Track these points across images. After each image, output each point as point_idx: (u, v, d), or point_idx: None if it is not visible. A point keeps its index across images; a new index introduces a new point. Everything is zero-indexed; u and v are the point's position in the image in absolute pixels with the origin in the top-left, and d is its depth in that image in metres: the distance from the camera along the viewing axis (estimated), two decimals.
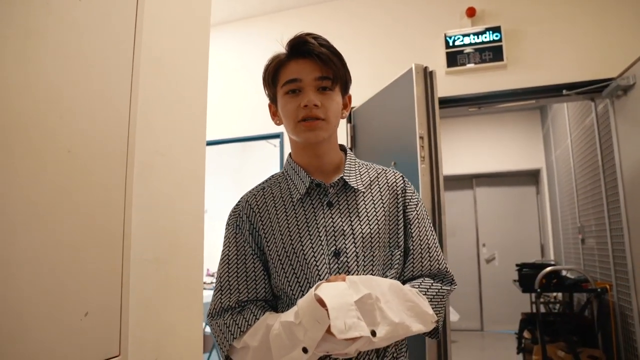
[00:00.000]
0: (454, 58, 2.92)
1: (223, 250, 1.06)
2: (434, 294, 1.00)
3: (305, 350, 0.83)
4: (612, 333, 3.08)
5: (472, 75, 2.93)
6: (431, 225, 1.10)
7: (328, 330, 0.81)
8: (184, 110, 1.58)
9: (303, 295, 0.93)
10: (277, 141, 3.36)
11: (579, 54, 2.75)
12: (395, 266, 1.01)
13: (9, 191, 0.86)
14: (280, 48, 1.05)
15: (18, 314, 0.87)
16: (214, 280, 4.65)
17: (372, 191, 1.05)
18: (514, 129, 6.01)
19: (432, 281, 1.02)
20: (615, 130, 2.71)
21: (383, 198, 1.05)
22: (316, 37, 1.01)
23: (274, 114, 1.10)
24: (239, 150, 6.89)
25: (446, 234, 2.06)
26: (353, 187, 1.03)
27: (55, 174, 0.97)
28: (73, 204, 1.02)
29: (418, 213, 1.07)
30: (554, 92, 2.76)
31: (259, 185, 1.12)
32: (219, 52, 3.70)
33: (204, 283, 5.49)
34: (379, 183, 1.07)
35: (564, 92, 2.69)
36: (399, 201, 1.06)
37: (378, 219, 1.02)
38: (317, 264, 0.96)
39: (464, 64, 2.91)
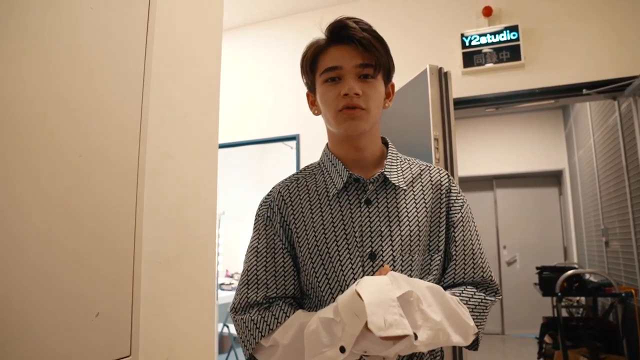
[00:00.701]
0: (471, 58, 2.88)
1: (251, 242, 0.99)
2: (477, 303, 0.92)
3: (342, 349, 0.75)
4: (639, 339, 2.99)
5: (489, 75, 2.88)
6: (477, 229, 1.01)
7: (367, 327, 0.73)
8: (195, 114, 1.59)
9: (333, 296, 0.90)
10: (293, 143, 3.37)
11: (598, 52, 2.68)
12: (434, 272, 0.94)
13: (22, 195, 0.88)
14: (319, 34, 0.99)
15: (30, 314, 0.89)
16: (234, 281, 4.69)
17: (414, 189, 0.98)
18: (535, 129, 5.90)
19: (475, 290, 0.95)
20: (639, 129, 2.64)
21: (426, 197, 0.97)
22: (357, 21, 0.94)
23: (312, 104, 1.04)
24: (258, 152, 6.95)
25: None
26: (394, 184, 0.96)
27: (67, 178, 0.99)
28: (85, 207, 1.04)
29: (463, 215, 0.98)
30: (574, 91, 2.70)
31: (293, 175, 1.06)
32: (237, 55, 3.74)
33: (223, 284, 5.55)
34: (422, 181, 1.00)
35: (584, 91, 2.63)
36: (442, 202, 0.98)
37: (419, 219, 0.95)
38: (353, 265, 0.90)
39: (480, 64, 2.87)
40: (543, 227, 5.96)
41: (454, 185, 1.02)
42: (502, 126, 5.98)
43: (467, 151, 6.05)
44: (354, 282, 0.86)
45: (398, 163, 1.00)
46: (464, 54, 2.89)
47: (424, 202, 0.97)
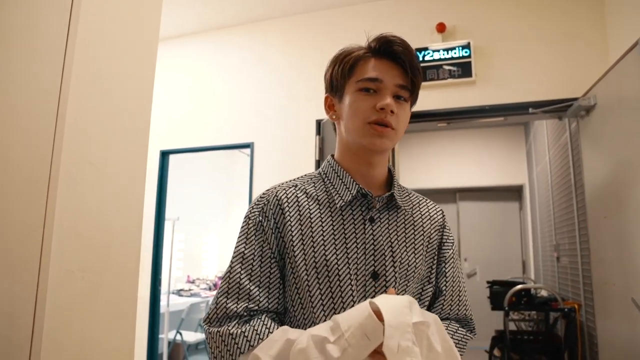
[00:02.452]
0: (424, 73, 2.92)
1: (237, 247, 0.90)
2: (459, 339, 0.94)
3: None
4: (579, 353, 3.05)
5: (441, 90, 2.93)
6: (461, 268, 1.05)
7: (378, 350, 0.71)
8: (123, 122, 1.56)
9: (325, 314, 0.85)
10: (248, 150, 3.35)
11: (546, 73, 2.75)
12: (425, 303, 0.95)
13: None
14: (357, 38, 0.99)
15: None
16: (194, 287, 4.59)
17: (414, 217, 0.98)
18: (498, 144, 6.02)
19: (458, 326, 0.97)
20: (581, 149, 2.71)
21: (424, 228, 0.99)
22: (405, 42, 0.93)
23: (331, 107, 0.99)
24: (225, 159, 6.91)
25: None
26: (399, 206, 0.96)
27: None
28: None
29: (454, 252, 1.02)
30: (521, 109, 2.76)
31: (290, 181, 0.98)
32: (194, 61, 3.71)
33: (182, 290, 5.46)
34: (421, 211, 1.01)
35: (530, 110, 2.68)
36: (437, 236, 1.00)
37: (416, 247, 0.95)
38: (352, 283, 0.87)
39: (433, 79, 2.91)
40: (503, 241, 6.06)
41: (447, 222, 1.05)
42: (466, 140, 6.08)
43: (432, 164, 6.13)
44: (352, 301, 0.86)
45: (402, 188, 1.02)
46: None
47: (422, 231, 0.98)
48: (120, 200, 1.54)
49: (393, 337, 0.70)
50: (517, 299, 3.33)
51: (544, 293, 3.62)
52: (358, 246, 0.89)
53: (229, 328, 0.82)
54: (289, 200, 0.92)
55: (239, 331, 0.81)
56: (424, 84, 2.90)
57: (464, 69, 2.86)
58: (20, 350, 1.22)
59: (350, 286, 0.86)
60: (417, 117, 2.91)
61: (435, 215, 1.03)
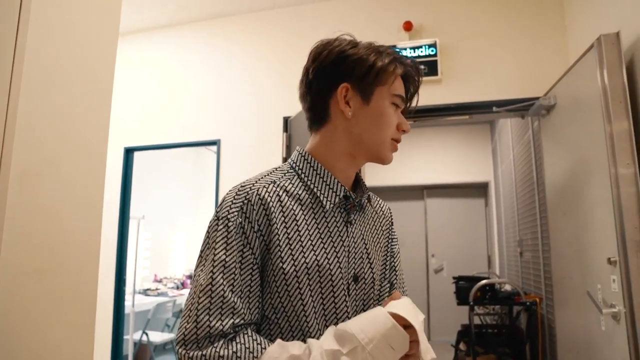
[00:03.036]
0: None
1: (216, 254, 0.78)
2: None
3: None
4: (539, 345, 3.15)
5: None
6: None
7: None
8: (81, 118, 1.51)
9: (318, 321, 0.81)
10: (214, 148, 3.30)
11: (509, 73, 2.82)
12: (384, 297, 0.96)
13: None
14: (324, 35, 0.98)
15: None
16: (160, 286, 4.50)
17: (373, 216, 0.99)
18: (465, 142, 6.14)
19: None
20: (542, 148, 2.79)
21: (382, 225, 1.00)
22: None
23: (348, 102, 0.89)
24: (191, 157, 6.80)
25: None
26: (365, 206, 0.96)
27: None
28: None
29: (398, 247, 1.05)
30: (486, 108, 2.81)
31: (266, 176, 0.88)
32: (159, 57, 3.63)
33: (148, 289, 5.36)
34: (376, 209, 1.01)
35: (494, 108, 2.74)
36: (388, 232, 1.02)
37: (380, 246, 0.97)
38: (344, 287, 0.85)
39: None
40: (469, 237, 6.19)
41: (392, 217, 1.06)
42: (434, 138, 6.17)
43: (400, 161, 6.19)
44: (345, 305, 0.84)
45: None
46: None
47: (381, 229, 0.99)
48: (78, 198, 1.49)
49: (422, 342, 0.76)
50: (482, 294, 3.41)
51: (507, 287, 3.72)
52: (343, 249, 0.86)
53: (217, 350, 0.71)
54: (272, 199, 0.82)
55: (229, 352, 0.71)
56: None
57: (430, 67, 2.89)
58: None
59: (342, 290, 0.84)
60: None
61: (386, 212, 1.05)
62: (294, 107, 2.93)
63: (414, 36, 2.98)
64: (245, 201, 0.81)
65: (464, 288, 3.51)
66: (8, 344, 1.23)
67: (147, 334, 4.25)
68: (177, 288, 5.88)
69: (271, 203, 0.82)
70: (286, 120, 3.05)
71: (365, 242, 0.92)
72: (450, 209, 6.35)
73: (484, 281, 3.39)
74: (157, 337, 4.44)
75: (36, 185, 1.34)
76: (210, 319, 0.73)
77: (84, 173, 1.51)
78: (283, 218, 0.82)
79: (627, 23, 1.96)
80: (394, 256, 1.02)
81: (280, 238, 0.80)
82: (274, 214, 0.81)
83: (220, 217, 0.82)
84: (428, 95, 2.91)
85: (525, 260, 4.04)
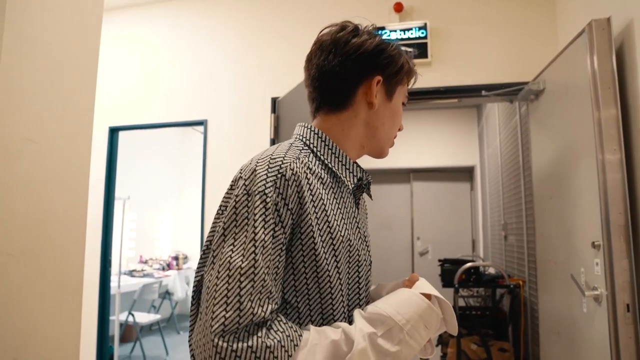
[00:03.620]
0: None
1: (255, 232, 0.71)
2: None
3: None
4: (522, 326, 3.22)
5: None
6: None
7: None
8: (64, 96, 1.47)
9: (343, 305, 0.80)
10: (201, 128, 3.26)
11: (499, 57, 2.82)
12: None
13: None
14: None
15: None
16: (146, 267, 4.49)
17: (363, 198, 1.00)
18: (452, 126, 6.16)
19: None
20: (530, 132, 2.81)
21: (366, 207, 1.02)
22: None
23: (375, 94, 0.88)
24: (178, 137, 6.71)
25: None
26: (368, 190, 0.97)
27: None
28: None
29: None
30: (475, 92, 2.81)
31: (288, 151, 0.81)
32: (142, 34, 3.54)
33: (134, 271, 5.33)
34: None
35: (483, 92, 2.74)
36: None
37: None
38: (367, 269, 0.87)
39: None
40: (455, 220, 6.26)
41: None
42: (421, 122, 6.18)
43: None
44: (366, 287, 0.86)
45: None
46: None
47: (366, 212, 1.00)
48: (63, 178, 1.46)
49: (451, 318, 0.83)
50: (467, 277, 3.46)
51: (491, 270, 3.77)
52: (360, 232, 0.87)
53: (263, 340, 0.66)
54: (302, 177, 0.77)
55: (275, 342, 0.66)
56: None
57: (420, 49, 2.87)
58: None
59: (365, 272, 0.84)
60: None
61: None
62: (282, 88, 2.90)
63: (404, 18, 2.96)
64: (279, 175, 0.74)
65: (449, 271, 3.56)
66: None
67: (133, 315, 4.24)
68: (163, 269, 5.86)
69: (302, 181, 0.76)
70: (274, 101, 3.02)
71: (366, 224, 0.95)
72: (436, 192, 6.40)
73: (468, 264, 3.44)
74: (143, 317, 4.44)
75: (17, 163, 1.31)
76: (253, 305, 0.67)
77: (68, 151, 1.48)
78: (311, 197, 0.77)
79: (618, 9, 1.96)
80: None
81: (311, 218, 0.76)
82: (305, 192, 0.76)
83: (253, 192, 0.73)
84: (418, 78, 2.89)
85: (509, 244, 4.10)
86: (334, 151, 0.86)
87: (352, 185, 0.87)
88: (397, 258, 6.14)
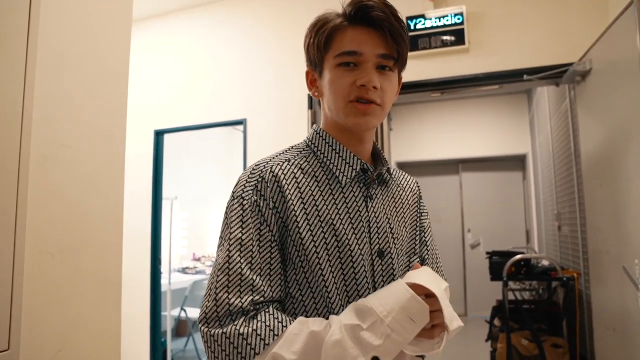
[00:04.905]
0: (415, 42, 2.84)
1: (231, 232, 0.79)
2: None
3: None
4: (577, 321, 3.05)
5: (433, 59, 2.85)
6: None
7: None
8: (97, 103, 1.54)
9: (340, 297, 0.79)
10: (241, 127, 3.32)
11: (541, 38, 2.67)
12: None
13: None
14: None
15: None
16: (199, 264, 4.65)
17: (399, 190, 0.96)
18: (500, 113, 5.92)
19: None
20: (573, 114, 2.65)
21: (408, 200, 0.97)
22: (386, 4, 0.83)
23: (312, 84, 0.92)
24: (225, 136, 6.87)
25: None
26: (387, 180, 0.94)
27: None
28: None
29: (429, 222, 1.03)
30: (516, 77, 2.69)
31: (280, 155, 0.88)
32: (183, 39, 3.64)
33: (187, 268, 5.52)
34: (401, 183, 0.99)
35: (525, 77, 2.61)
36: (416, 207, 1.00)
37: (405, 221, 0.94)
38: (365, 263, 0.82)
39: (425, 48, 2.84)
40: (507, 211, 6.02)
41: (420, 192, 1.05)
42: (466, 110, 5.98)
43: (434, 135, 6.06)
44: (366, 281, 0.81)
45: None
46: (409, 37, 2.85)
47: (408, 204, 0.97)
48: (98, 181, 1.53)
49: (446, 309, 0.74)
50: (517, 269, 3.32)
51: (545, 262, 3.60)
52: (363, 224, 0.84)
53: (237, 327, 0.71)
54: (286, 177, 0.82)
55: (249, 329, 0.71)
56: (416, 53, 2.84)
57: (457, 36, 2.78)
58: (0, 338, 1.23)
59: (362, 265, 0.82)
60: (410, 87, 2.85)
61: (413, 187, 1.02)
62: None
63: (440, 4, 2.86)
64: (259, 179, 0.82)
65: (497, 263, 3.43)
66: (35, 320, 1.29)
67: (185, 310, 4.40)
68: None
69: (285, 180, 0.81)
70: (310, 97, 3.02)
71: (388, 217, 0.90)
72: (486, 182, 6.18)
73: (518, 256, 3.30)
74: (194, 313, 4.59)
75: (55, 168, 1.38)
76: (229, 296, 0.73)
77: (102, 155, 1.55)
78: (299, 194, 0.81)
79: None
80: (425, 230, 1.00)
81: (297, 214, 0.80)
82: (288, 190, 0.81)
83: (235, 197, 0.82)
84: (455, 65, 2.80)
85: (563, 235, 3.89)
86: (334, 147, 0.88)
87: (347, 179, 0.86)
88: (447, 251, 5.99)
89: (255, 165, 0.85)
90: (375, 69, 0.82)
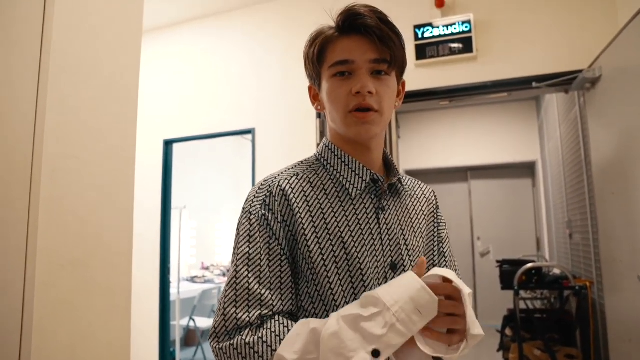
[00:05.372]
0: (423, 50, 2.84)
1: (240, 248, 0.80)
2: None
3: (376, 353, 0.66)
4: (591, 331, 3.00)
5: (441, 67, 2.85)
6: None
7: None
8: (107, 114, 1.55)
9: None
10: (250, 136, 3.33)
11: (549, 45, 2.66)
12: None
13: None
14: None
15: None
16: (207, 273, 4.66)
17: (413, 200, 0.95)
18: (509, 120, 5.89)
19: None
20: (583, 122, 2.63)
21: (423, 210, 0.96)
22: (374, 10, 0.84)
23: (315, 98, 0.95)
24: (234, 145, 6.90)
25: None
26: (400, 191, 0.92)
27: None
28: None
29: (447, 232, 1.01)
30: (525, 84, 2.68)
31: (290, 169, 0.89)
32: (191, 49, 3.67)
33: (196, 277, 5.53)
34: (417, 193, 0.98)
35: (534, 84, 2.60)
36: (434, 217, 0.99)
37: (422, 232, 0.93)
38: (377, 276, 0.81)
39: (433, 56, 2.84)
40: (516, 219, 5.97)
41: (438, 202, 1.03)
42: (475, 118, 5.96)
43: (443, 143, 6.04)
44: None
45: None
46: (416, 46, 2.85)
47: (423, 215, 0.95)
48: (108, 192, 1.54)
49: (470, 315, 0.72)
50: (528, 278, 3.28)
51: (556, 271, 3.56)
52: (374, 236, 0.83)
53: (243, 337, 0.72)
54: (294, 191, 0.82)
55: (255, 338, 0.71)
56: (424, 62, 2.84)
57: (465, 44, 2.78)
58: (10, 347, 1.23)
59: (372, 279, 0.81)
60: (419, 95, 2.85)
61: (430, 196, 1.01)
62: None
63: (447, 13, 2.87)
64: (267, 194, 0.83)
65: (508, 272, 3.39)
66: (46, 330, 1.29)
67: (194, 320, 4.39)
68: (223, 275, 6.03)
69: (293, 195, 0.82)
70: None
71: (402, 228, 0.88)
72: (495, 190, 6.14)
73: (529, 265, 3.26)
74: (203, 322, 4.59)
75: (65, 180, 1.39)
76: (237, 311, 0.74)
77: (111, 166, 1.56)
78: (308, 208, 0.82)
79: None
80: (443, 242, 0.98)
81: (305, 228, 0.80)
82: (296, 205, 0.81)
83: (244, 213, 0.84)
84: (463, 73, 2.80)
85: (574, 243, 3.84)
86: (343, 159, 0.88)
87: (357, 190, 0.85)
88: (457, 259, 5.93)
89: (264, 181, 0.86)
90: (370, 75, 0.83)
